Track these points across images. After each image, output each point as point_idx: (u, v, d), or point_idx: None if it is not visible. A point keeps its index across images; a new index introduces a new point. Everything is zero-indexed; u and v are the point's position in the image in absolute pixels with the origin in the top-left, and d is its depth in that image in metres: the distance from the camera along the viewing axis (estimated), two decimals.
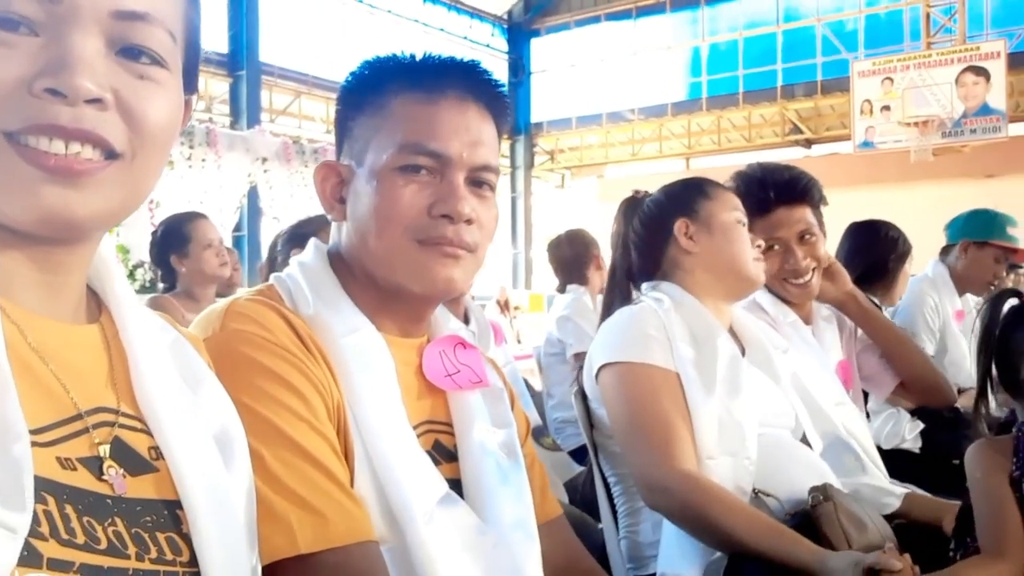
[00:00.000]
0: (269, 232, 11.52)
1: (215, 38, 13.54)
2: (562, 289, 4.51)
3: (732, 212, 1.85)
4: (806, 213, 2.22)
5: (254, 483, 0.87)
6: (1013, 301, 1.53)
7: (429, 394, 1.17)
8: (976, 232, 3.59)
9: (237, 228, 11.43)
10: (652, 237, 1.88)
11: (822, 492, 1.59)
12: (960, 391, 3.22)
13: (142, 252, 7.57)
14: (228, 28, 13.85)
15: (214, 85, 13.95)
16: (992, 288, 3.66)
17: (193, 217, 3.39)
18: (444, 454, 1.14)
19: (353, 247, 1.15)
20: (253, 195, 10.96)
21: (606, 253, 5.03)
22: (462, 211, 1.10)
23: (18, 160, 0.67)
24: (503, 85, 1.19)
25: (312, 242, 1.20)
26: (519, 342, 8.78)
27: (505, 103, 1.19)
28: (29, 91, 0.67)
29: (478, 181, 1.14)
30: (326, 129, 14.95)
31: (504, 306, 7.03)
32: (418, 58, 1.16)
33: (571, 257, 4.43)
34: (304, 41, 15.77)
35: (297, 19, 15.60)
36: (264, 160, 10.47)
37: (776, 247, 2.19)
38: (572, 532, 1.34)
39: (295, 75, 15.59)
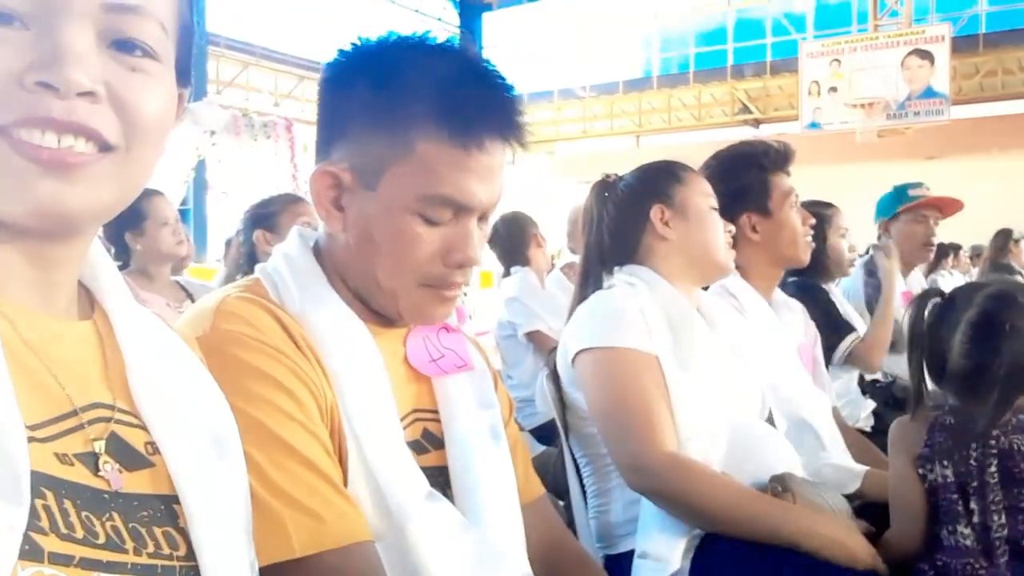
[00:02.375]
0: (216, 206, 11.36)
1: None
2: (507, 273, 4.55)
3: (705, 198, 1.87)
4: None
5: (250, 484, 0.87)
6: (936, 300, 1.64)
7: (416, 382, 1.17)
8: (885, 211, 3.79)
9: (183, 202, 11.22)
10: (627, 222, 1.88)
11: (780, 483, 1.62)
12: None
13: None
14: None
15: None
16: (931, 248, 3.82)
17: (149, 194, 3.21)
18: (432, 442, 1.15)
19: (349, 259, 1.12)
20: (200, 168, 10.76)
21: (551, 230, 5.07)
22: (477, 259, 1.10)
23: (11, 154, 0.66)
24: (525, 116, 1.12)
25: (295, 231, 1.19)
26: (470, 318, 8.82)
27: (528, 137, 1.12)
28: (20, 85, 0.66)
29: (483, 217, 1.13)
30: (274, 102, 14.65)
31: None
32: (453, 85, 1.05)
33: (508, 241, 4.47)
34: (251, 10, 15.46)
35: None
36: (212, 133, 10.28)
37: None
38: (555, 512, 1.35)
39: (242, 45, 15.24)
